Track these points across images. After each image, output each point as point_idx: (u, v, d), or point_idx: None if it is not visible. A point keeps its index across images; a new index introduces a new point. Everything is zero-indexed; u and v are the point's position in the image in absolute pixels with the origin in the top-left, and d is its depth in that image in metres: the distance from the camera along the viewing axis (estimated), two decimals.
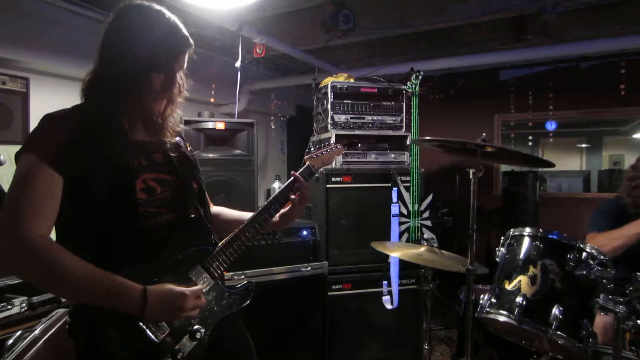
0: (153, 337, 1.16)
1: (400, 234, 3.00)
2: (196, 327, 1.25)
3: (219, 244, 1.35)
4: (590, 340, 1.71)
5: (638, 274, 1.66)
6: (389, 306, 3.03)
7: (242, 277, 2.51)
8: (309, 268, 2.78)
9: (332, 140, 3.06)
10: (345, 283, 3.03)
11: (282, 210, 1.51)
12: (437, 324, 3.98)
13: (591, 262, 1.75)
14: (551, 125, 5.51)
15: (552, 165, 1.90)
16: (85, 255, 1.11)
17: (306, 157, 1.62)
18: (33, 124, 2.86)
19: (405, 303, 3.08)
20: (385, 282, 3.03)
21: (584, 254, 1.78)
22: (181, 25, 1.29)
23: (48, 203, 1.11)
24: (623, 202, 2.47)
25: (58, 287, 1.12)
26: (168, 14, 1.28)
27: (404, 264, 3.01)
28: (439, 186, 3.78)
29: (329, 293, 2.97)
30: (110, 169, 1.17)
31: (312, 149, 1.64)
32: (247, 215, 1.51)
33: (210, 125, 3.02)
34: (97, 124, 1.18)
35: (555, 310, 1.68)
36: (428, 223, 3.05)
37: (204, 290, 1.26)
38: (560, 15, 3.29)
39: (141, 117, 1.29)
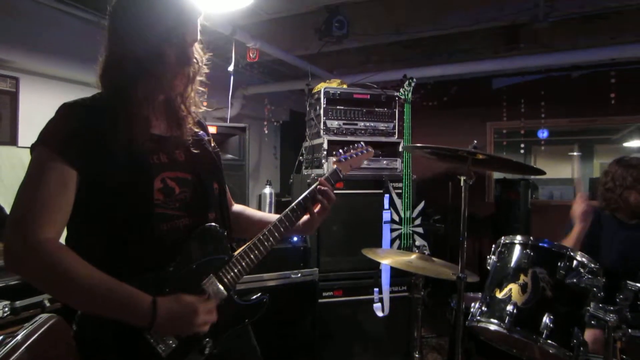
0: (159, 351, 1.10)
1: (392, 241, 2.99)
2: (205, 340, 1.18)
3: (236, 253, 1.26)
4: (582, 349, 1.70)
5: (629, 282, 1.66)
6: (380, 314, 3.01)
7: None
8: (300, 275, 2.76)
9: (324, 146, 3.06)
10: (336, 290, 3.01)
11: (304, 218, 1.40)
12: (429, 331, 3.96)
13: (582, 270, 1.75)
14: (543, 133, 5.54)
15: (542, 173, 1.90)
16: (96, 257, 1.05)
17: (334, 160, 1.51)
18: (22, 124, 2.83)
19: (396, 310, 3.07)
20: (376, 290, 3.01)
21: (575, 262, 1.78)
22: None
23: (60, 202, 1.05)
24: (599, 208, 2.50)
25: (66, 295, 1.06)
26: None
27: (395, 271, 3.00)
28: (431, 193, 3.78)
29: (320, 300, 2.95)
30: (127, 165, 1.10)
31: (340, 151, 1.51)
32: (268, 216, 1.44)
33: None
34: (117, 115, 1.12)
35: (545, 319, 1.68)
36: (420, 230, 3.05)
37: (217, 302, 1.19)
38: (552, 25, 3.31)
39: (163, 102, 1.21)
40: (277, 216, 1.38)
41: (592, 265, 1.76)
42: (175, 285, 1.14)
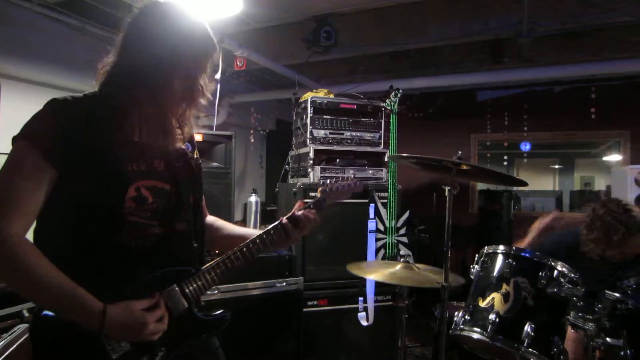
0: (110, 353, 1.12)
1: (377, 250, 3.00)
2: (158, 349, 1.18)
3: (204, 267, 1.27)
4: (562, 357, 1.73)
5: (607, 292, 1.69)
6: (364, 323, 3.01)
7: (215, 292, 2.45)
8: (284, 283, 2.74)
9: (310, 155, 3.06)
10: (321, 299, 3.00)
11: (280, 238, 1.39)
12: (413, 340, 3.96)
13: (562, 280, 1.78)
14: (526, 146, 5.65)
15: (524, 184, 1.93)
16: (61, 257, 1.07)
17: (320, 188, 1.51)
18: (3, 130, 2.78)
19: (381, 320, 3.06)
20: (361, 299, 3.01)
21: (556, 272, 1.81)
22: (208, 29, 1.21)
23: (33, 198, 1.06)
24: (580, 237, 2.40)
25: (23, 289, 1.08)
26: (195, 16, 1.20)
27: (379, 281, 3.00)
28: (416, 203, 3.81)
29: (305, 309, 2.93)
30: (104, 170, 1.11)
31: (328, 182, 1.51)
32: (239, 231, 1.44)
33: None
34: (102, 118, 1.12)
35: (527, 328, 1.70)
36: (405, 239, 3.06)
37: (176, 313, 1.20)
38: (535, 41, 3.39)
39: (156, 118, 1.21)
40: (246, 231, 1.40)
41: (572, 275, 1.79)
42: (137, 291, 1.14)
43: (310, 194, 3.00)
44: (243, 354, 2.57)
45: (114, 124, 1.14)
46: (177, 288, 1.21)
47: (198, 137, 3.03)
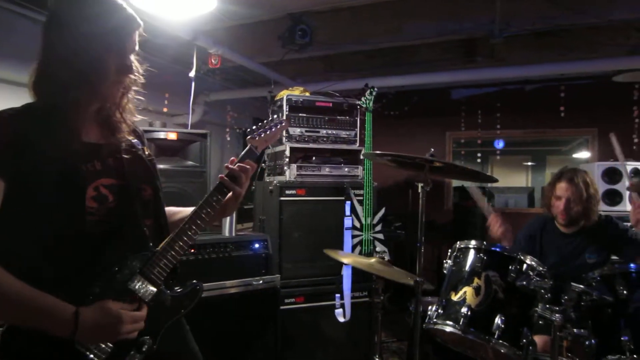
0: (95, 358, 1.10)
1: (353, 247, 3.02)
2: (142, 338, 1.19)
3: (158, 248, 1.27)
4: (530, 348, 1.78)
5: (573, 284, 1.75)
6: (341, 319, 3.03)
7: None
8: (261, 281, 2.74)
9: (287, 153, 3.07)
10: (298, 297, 3.01)
11: (228, 197, 1.39)
12: (390, 336, 4.01)
13: (531, 273, 1.83)
14: (499, 144, 5.77)
15: (494, 180, 1.98)
16: (20, 266, 1.05)
17: (248, 137, 1.47)
18: None
19: (357, 316, 3.10)
20: (337, 295, 3.03)
21: (525, 265, 1.86)
22: (126, 5, 1.22)
23: None
24: (548, 216, 2.63)
25: None
26: None
27: (356, 277, 3.03)
28: (392, 200, 3.87)
29: (282, 307, 2.94)
30: (59, 173, 1.10)
31: (254, 128, 1.48)
32: (186, 209, 1.44)
33: (161, 135, 2.95)
34: (46, 123, 1.12)
35: (497, 320, 1.74)
36: (380, 236, 3.10)
37: (146, 300, 1.20)
38: (507, 40, 3.46)
39: (97, 111, 1.21)
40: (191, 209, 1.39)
41: (540, 268, 1.85)
42: (101, 289, 1.14)
43: (287, 191, 3.01)
44: (220, 352, 2.56)
45: (62, 128, 1.14)
46: (140, 276, 1.21)
47: (173, 136, 3.00)
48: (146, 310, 1.20)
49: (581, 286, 1.74)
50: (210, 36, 3.27)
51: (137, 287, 1.20)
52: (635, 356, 1.59)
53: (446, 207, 5.48)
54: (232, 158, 1.41)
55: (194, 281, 1.34)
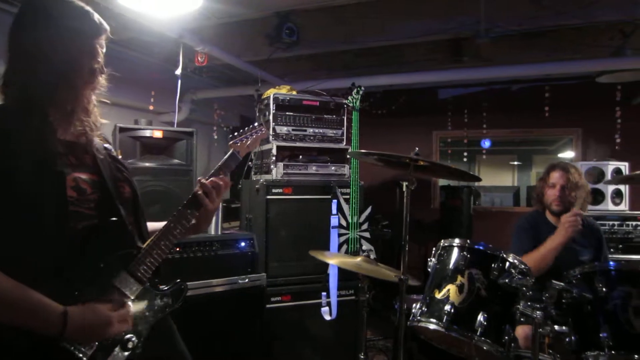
0: (80, 354, 1.10)
1: (340, 246, 3.03)
2: (128, 336, 1.19)
3: (145, 245, 1.29)
4: (512, 345, 1.80)
5: (553, 281, 1.77)
6: (327, 317, 3.04)
7: None
8: (247, 280, 2.73)
9: (273, 151, 3.06)
10: (284, 295, 3.01)
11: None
12: (376, 334, 4.03)
13: (513, 271, 1.85)
14: (486, 143, 5.83)
15: (478, 179, 2.00)
16: (4, 262, 1.04)
17: (230, 143, 1.51)
18: None
19: (344, 314, 3.10)
20: (324, 294, 3.04)
21: (507, 263, 1.88)
22: (92, 11, 1.26)
23: None
24: (539, 212, 2.68)
25: None
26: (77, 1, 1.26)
27: (342, 275, 3.04)
28: (380, 199, 3.87)
29: (268, 305, 2.94)
30: (37, 167, 1.11)
31: (235, 134, 1.53)
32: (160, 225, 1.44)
33: (147, 133, 2.93)
34: (24, 121, 1.13)
35: (480, 317, 1.76)
36: (367, 235, 3.11)
37: (132, 297, 1.21)
38: (493, 41, 3.49)
39: (71, 111, 1.23)
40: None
41: (522, 266, 1.87)
42: (86, 286, 1.15)
43: (273, 190, 3.00)
44: (206, 351, 2.55)
45: (39, 125, 1.15)
46: (126, 273, 1.22)
47: (158, 134, 2.98)
48: (132, 308, 1.21)
49: (562, 284, 1.77)
50: (197, 34, 3.25)
51: (122, 284, 1.20)
52: (613, 352, 1.62)
53: (433, 206, 5.52)
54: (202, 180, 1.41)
55: (179, 280, 1.35)
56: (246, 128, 1.55)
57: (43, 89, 1.17)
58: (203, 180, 1.38)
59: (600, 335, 1.65)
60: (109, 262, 1.20)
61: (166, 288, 1.32)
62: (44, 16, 1.19)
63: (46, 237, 1.11)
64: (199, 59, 3.36)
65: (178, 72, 3.21)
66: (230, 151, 1.47)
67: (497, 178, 9.73)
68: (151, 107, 3.95)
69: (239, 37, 3.63)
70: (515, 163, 10.40)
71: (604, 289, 1.73)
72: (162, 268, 1.33)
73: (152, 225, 1.48)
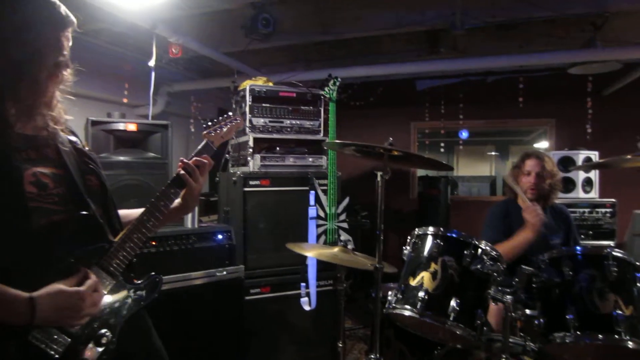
0: (52, 352, 1.07)
1: (318, 236, 3.05)
2: (101, 331, 1.17)
3: (117, 239, 1.27)
4: (484, 328, 1.85)
5: (522, 266, 1.82)
6: (307, 308, 3.06)
7: None
8: (225, 272, 2.73)
9: (250, 143, 3.05)
10: (263, 287, 3.02)
11: (184, 191, 1.40)
12: (356, 323, 4.08)
13: (485, 257, 1.89)
14: (464, 134, 5.91)
15: (450, 168, 2.04)
16: None
17: (204, 133, 1.49)
18: None
19: (323, 304, 3.13)
20: (303, 284, 3.06)
21: (479, 250, 1.92)
22: (58, 3, 1.23)
23: None
24: (511, 200, 2.74)
25: None
26: None
27: (321, 266, 3.07)
28: (359, 190, 3.90)
29: (247, 297, 2.94)
30: None
31: (209, 123, 1.51)
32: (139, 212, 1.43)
33: (120, 126, 2.87)
34: None
35: (453, 303, 1.80)
36: (345, 225, 3.13)
37: (105, 292, 1.19)
38: (469, 32, 3.54)
39: (33, 105, 1.19)
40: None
41: (494, 252, 1.91)
42: (56, 282, 1.11)
43: (250, 182, 3.00)
44: (184, 345, 2.54)
45: None
46: (97, 268, 1.20)
47: (132, 127, 2.94)
48: (103, 292, 1.18)
49: (531, 269, 1.82)
50: (170, 25, 3.21)
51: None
52: (578, 332, 1.67)
53: (411, 197, 5.58)
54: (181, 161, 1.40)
55: (153, 273, 1.33)
56: (220, 118, 1.53)
57: (2, 81, 1.13)
58: (186, 160, 1.37)
59: (567, 317, 1.70)
60: (79, 257, 1.17)
61: (140, 282, 1.30)
62: (6, 6, 1.15)
63: (5, 234, 1.08)
64: (173, 50, 3.31)
65: (151, 63, 3.16)
66: (204, 141, 1.46)
67: (475, 168, 9.89)
68: (125, 100, 3.89)
69: (214, 28, 3.59)
70: (493, 153, 10.58)
71: (570, 273, 1.78)
72: (136, 262, 1.32)
73: (128, 213, 1.47)
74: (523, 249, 2.40)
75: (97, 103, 3.71)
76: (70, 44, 1.25)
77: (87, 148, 1.39)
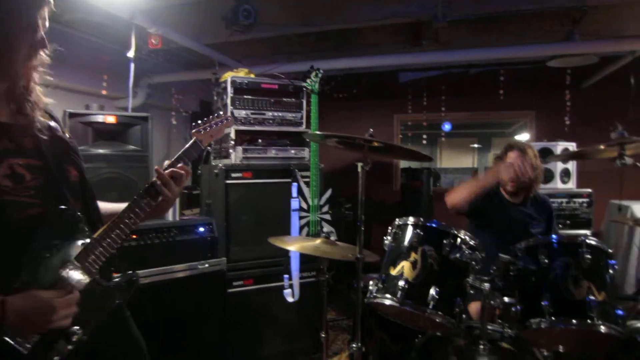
0: (20, 348, 1.04)
1: (301, 228, 3.06)
2: (72, 328, 1.14)
3: (95, 236, 1.24)
4: (463, 316, 1.88)
5: (500, 255, 1.86)
6: (290, 299, 3.07)
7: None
8: (207, 265, 2.72)
9: (232, 135, 3.04)
10: (246, 279, 3.02)
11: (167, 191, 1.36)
12: (340, 314, 4.11)
13: (464, 246, 1.92)
14: (446, 126, 5.97)
15: (429, 159, 2.06)
16: None
17: (193, 131, 1.45)
18: None
19: (307, 296, 3.15)
20: (286, 276, 3.06)
21: (458, 239, 1.95)
22: None
23: None
24: (494, 188, 2.73)
25: None
26: None
27: (304, 258, 3.07)
28: (342, 182, 3.91)
29: (230, 290, 2.94)
30: None
31: (199, 122, 1.48)
32: (119, 206, 1.40)
33: (99, 118, 2.84)
34: None
35: (432, 292, 1.83)
36: (327, 217, 3.15)
37: (80, 288, 1.16)
38: (451, 25, 3.55)
39: (7, 90, 1.15)
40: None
41: (473, 242, 1.94)
42: (31, 276, 1.10)
43: (232, 174, 2.99)
44: (167, 338, 2.53)
45: None
46: (73, 264, 1.17)
47: (111, 119, 2.90)
48: (79, 296, 1.15)
49: (508, 257, 1.86)
50: (149, 15, 3.15)
51: (69, 275, 1.15)
52: (553, 318, 1.72)
53: (394, 188, 5.62)
54: (167, 161, 1.37)
55: (130, 272, 1.30)
56: (211, 117, 1.50)
57: None
58: (161, 171, 1.33)
59: (542, 303, 1.74)
60: (55, 252, 1.15)
61: (116, 280, 1.28)
62: None
63: None
64: (153, 41, 3.26)
65: (130, 54, 3.11)
66: (193, 139, 1.43)
67: (458, 160, 10.02)
68: (104, 92, 3.82)
69: (195, 19, 3.54)
70: (476, 146, 10.71)
71: (546, 261, 1.82)
72: (115, 258, 1.28)
73: (111, 207, 1.44)
74: (475, 193, 2.47)
75: (75, 95, 3.64)
76: (47, 24, 1.18)
77: (67, 135, 1.34)
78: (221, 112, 1.56)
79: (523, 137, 6.50)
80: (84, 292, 1.17)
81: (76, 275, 1.16)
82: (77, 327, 1.15)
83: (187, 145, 1.40)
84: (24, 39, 1.13)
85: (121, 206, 1.40)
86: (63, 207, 1.19)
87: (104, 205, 1.46)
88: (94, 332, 1.20)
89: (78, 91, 3.69)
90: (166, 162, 1.36)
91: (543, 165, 3.88)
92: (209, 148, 3.45)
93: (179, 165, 1.35)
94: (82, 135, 2.77)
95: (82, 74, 3.56)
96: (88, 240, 1.22)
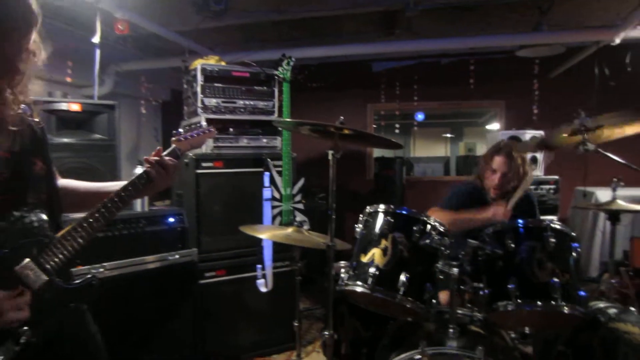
0: None
1: (273, 218, 3.04)
2: (21, 329, 1.10)
3: (58, 234, 1.19)
4: (433, 301, 1.91)
5: (469, 240, 1.89)
6: (263, 289, 3.06)
7: (101, 270, 2.33)
8: (177, 256, 2.68)
9: (203, 124, 2.97)
10: (219, 270, 2.99)
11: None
12: (314, 303, 4.13)
13: (433, 232, 1.94)
14: (420, 116, 6.02)
15: (400, 147, 2.07)
16: None
17: (173, 138, 1.43)
18: None
19: (280, 285, 3.14)
20: (259, 266, 3.05)
21: (428, 226, 1.97)
22: None
23: None
24: (477, 185, 2.75)
25: None
26: None
27: (277, 247, 3.07)
28: (316, 171, 3.90)
29: (203, 281, 2.91)
30: None
31: (180, 130, 1.46)
32: (98, 186, 1.38)
33: (62, 106, 2.73)
34: None
35: (402, 278, 1.84)
36: (300, 206, 3.14)
37: (35, 287, 1.12)
38: (423, 14, 3.56)
39: None
40: (104, 185, 1.36)
41: (442, 228, 1.97)
42: None
43: (203, 164, 2.94)
44: (135, 331, 2.49)
45: None
46: (32, 262, 1.13)
47: (76, 107, 2.80)
48: (30, 298, 1.11)
49: (476, 242, 1.89)
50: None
51: (25, 273, 1.11)
52: (519, 301, 1.76)
53: (368, 177, 5.65)
54: (159, 148, 1.36)
55: (89, 275, 1.26)
56: (193, 126, 1.50)
57: None
58: (151, 158, 1.33)
59: (509, 286, 1.78)
60: (13, 249, 1.11)
61: (75, 282, 1.23)
62: None
63: None
64: (120, 27, 3.15)
65: (95, 40, 3.01)
66: (172, 147, 1.41)
67: (431, 150, 10.15)
68: (68, 79, 3.69)
69: (163, 4, 3.44)
70: (449, 135, 10.87)
71: (512, 245, 1.86)
72: (77, 259, 1.25)
73: (84, 186, 1.41)
74: (464, 226, 2.42)
75: (38, 83, 3.49)
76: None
77: (36, 119, 1.28)
78: (204, 124, 1.53)
79: (493, 127, 6.62)
80: (39, 292, 1.13)
81: (33, 273, 1.13)
82: (27, 328, 1.11)
83: (165, 152, 1.37)
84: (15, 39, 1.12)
85: (93, 186, 1.39)
86: (28, 203, 1.15)
87: (76, 185, 1.41)
88: (47, 328, 1.17)
89: (40, 78, 3.55)
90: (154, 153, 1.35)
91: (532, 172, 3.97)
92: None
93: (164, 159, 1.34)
94: (45, 124, 2.65)
95: (45, 60, 3.42)
96: (48, 239, 1.17)
